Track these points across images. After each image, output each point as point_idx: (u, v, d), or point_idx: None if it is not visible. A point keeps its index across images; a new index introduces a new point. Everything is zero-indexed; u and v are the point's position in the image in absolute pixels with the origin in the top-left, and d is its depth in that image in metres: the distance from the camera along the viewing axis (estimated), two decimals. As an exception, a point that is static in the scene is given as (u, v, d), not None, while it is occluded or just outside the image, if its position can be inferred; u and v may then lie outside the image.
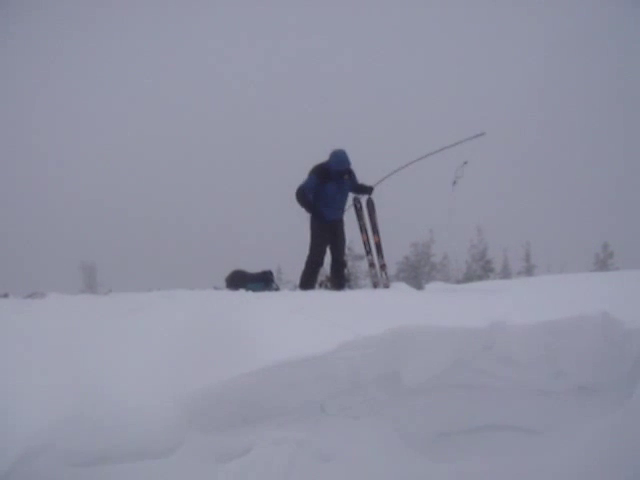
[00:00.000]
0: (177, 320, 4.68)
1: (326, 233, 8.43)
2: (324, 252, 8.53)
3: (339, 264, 8.72)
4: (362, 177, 8.73)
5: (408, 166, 8.72)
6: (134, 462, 3.42)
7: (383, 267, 9.03)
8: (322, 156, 8.36)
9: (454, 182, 8.40)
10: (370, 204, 8.96)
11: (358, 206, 8.98)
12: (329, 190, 8.30)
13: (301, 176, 8.35)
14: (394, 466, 4.18)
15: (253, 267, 9.86)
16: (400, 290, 7.76)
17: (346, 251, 9.39)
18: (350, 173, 8.54)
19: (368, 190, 8.81)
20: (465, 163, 8.24)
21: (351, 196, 8.88)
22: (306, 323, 4.71)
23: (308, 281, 8.56)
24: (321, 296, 6.68)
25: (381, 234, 9.04)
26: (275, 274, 10.08)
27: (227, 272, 9.76)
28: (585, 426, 4.46)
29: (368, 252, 9.09)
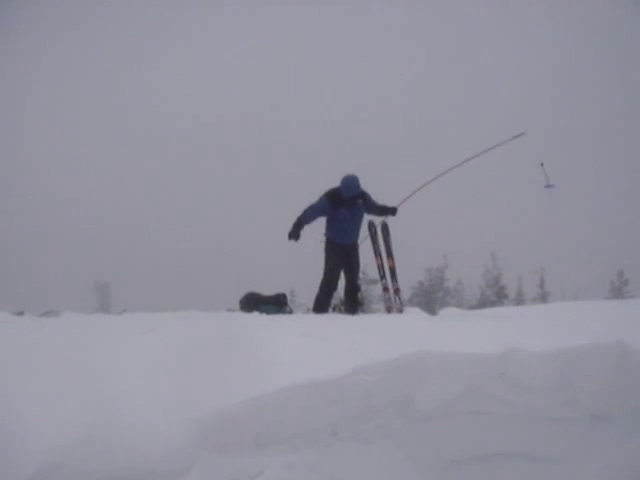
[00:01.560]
0: (191, 341, 4.69)
1: (339, 257, 8.47)
2: (337, 276, 8.55)
3: (353, 288, 8.73)
4: (378, 194, 8.75)
5: (432, 182, 8.79)
6: (146, 483, 3.42)
7: (397, 292, 9.03)
8: (330, 169, 8.41)
9: (549, 186, 8.45)
10: (384, 228, 8.99)
11: (372, 230, 9.01)
12: (341, 216, 8.35)
13: (313, 197, 8.40)
14: (405, 492, 4.17)
15: (267, 289, 9.89)
16: (414, 315, 7.76)
17: (360, 275, 9.39)
18: (364, 197, 8.54)
19: (391, 211, 8.84)
20: (542, 165, 8.32)
21: (366, 220, 8.91)
22: (319, 347, 4.72)
23: (322, 305, 8.56)
24: (334, 320, 6.69)
25: (395, 258, 9.05)
26: (288, 297, 10.10)
27: (241, 294, 9.79)
28: (599, 455, 4.43)
29: (382, 276, 9.11)
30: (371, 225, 8.99)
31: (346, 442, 4.24)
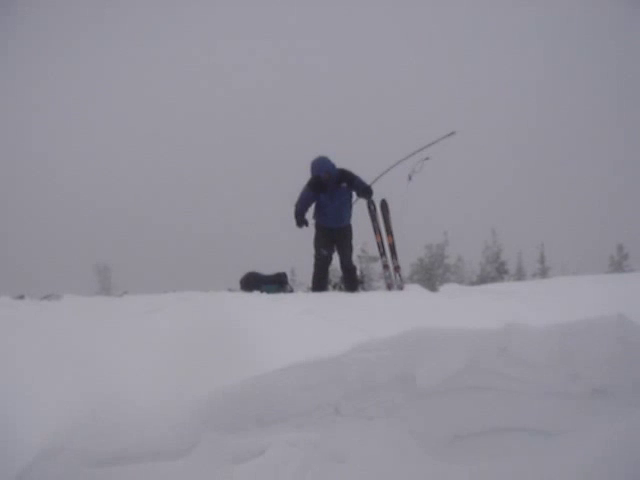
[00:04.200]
0: (191, 322, 4.70)
1: (327, 239, 8.54)
2: (326, 256, 8.60)
3: (347, 270, 8.89)
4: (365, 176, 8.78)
5: (392, 168, 8.83)
6: (149, 462, 3.43)
7: (397, 269, 9.04)
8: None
9: (409, 177, 8.45)
10: (384, 206, 8.98)
11: (372, 208, 8.99)
12: (322, 200, 8.40)
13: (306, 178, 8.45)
14: (408, 468, 4.18)
15: (267, 269, 9.91)
16: (414, 292, 7.74)
17: (354, 256, 9.45)
18: (348, 179, 8.59)
19: (365, 192, 8.80)
20: (426, 159, 8.29)
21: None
22: (320, 325, 4.72)
23: (318, 283, 8.64)
24: (335, 298, 6.69)
25: (395, 235, 9.05)
26: (289, 276, 10.11)
27: (241, 274, 9.80)
28: (600, 429, 4.44)
29: (382, 254, 9.12)
30: (370, 203, 8.97)
31: (348, 419, 4.25)
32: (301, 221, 8.50)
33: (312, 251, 8.64)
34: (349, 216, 8.78)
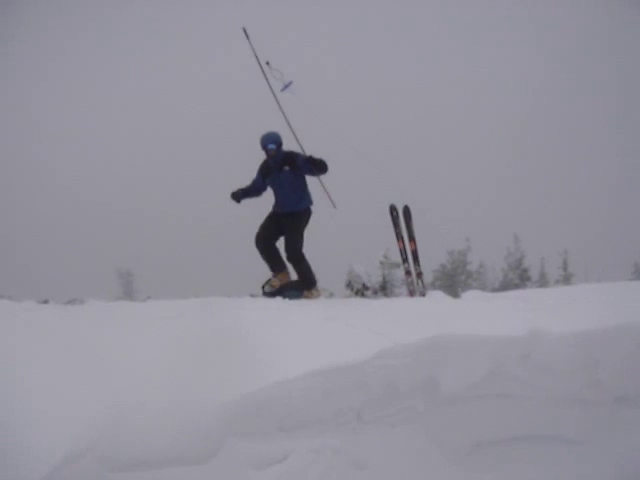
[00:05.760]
0: (214, 328, 4.71)
1: (271, 222, 8.03)
2: (263, 236, 8.04)
3: (289, 259, 8.13)
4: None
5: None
6: (173, 468, 3.45)
7: (419, 275, 9.01)
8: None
9: (284, 87, 7.65)
10: (406, 212, 8.96)
11: (394, 214, 8.97)
12: (269, 184, 8.03)
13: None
14: (429, 475, 4.18)
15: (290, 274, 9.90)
16: (437, 298, 7.72)
17: (382, 259, 9.37)
18: (290, 160, 7.90)
19: (310, 162, 7.82)
20: (267, 63, 7.65)
21: (388, 204, 8.87)
22: (343, 331, 4.72)
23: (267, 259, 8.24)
24: (358, 304, 6.70)
25: (417, 241, 9.03)
26: (311, 282, 10.07)
27: (264, 279, 9.81)
28: (622, 437, 4.42)
29: (404, 260, 9.08)
30: (393, 209, 8.95)
31: (370, 426, 4.26)
32: (235, 194, 8.09)
33: (337, 254, 8.36)
34: (296, 202, 8.04)
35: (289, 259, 7.93)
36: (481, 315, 5.39)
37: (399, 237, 9.05)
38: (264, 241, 7.99)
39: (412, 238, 8.98)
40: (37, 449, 3.17)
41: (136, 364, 4.02)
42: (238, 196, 8.11)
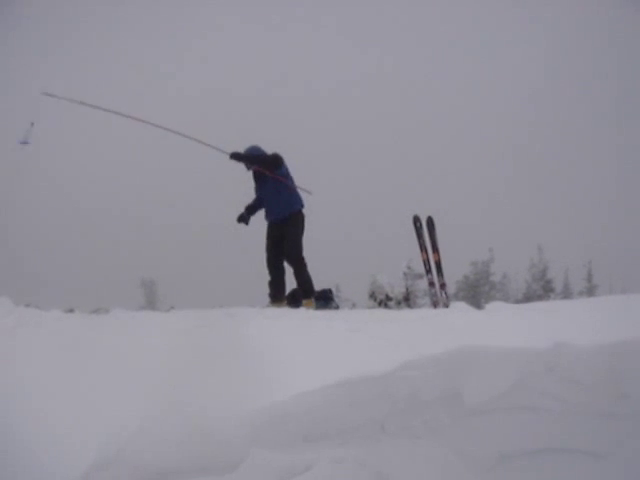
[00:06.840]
0: (237, 338, 4.73)
1: (270, 240, 8.13)
2: (269, 260, 8.20)
3: (291, 262, 8.19)
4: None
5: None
6: (199, 477, 3.48)
7: (443, 286, 9.03)
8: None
9: (22, 142, 7.64)
10: (430, 223, 8.98)
11: (418, 225, 9.00)
12: (257, 194, 8.16)
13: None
14: (453, 488, 4.17)
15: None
16: (460, 309, 7.71)
17: (406, 270, 9.39)
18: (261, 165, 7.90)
19: (258, 161, 7.99)
20: (32, 124, 7.67)
21: (411, 215, 8.89)
22: (367, 342, 4.72)
23: (273, 288, 8.37)
24: (381, 315, 6.70)
25: (441, 252, 9.04)
26: (334, 292, 10.11)
27: (287, 290, 9.85)
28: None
29: (428, 271, 9.11)
30: (416, 219, 8.98)
31: (394, 437, 4.26)
32: (241, 218, 8.17)
33: (362, 265, 8.47)
34: (283, 206, 7.99)
35: (289, 262, 8.08)
36: (505, 327, 5.37)
37: (422, 248, 9.07)
38: (270, 266, 8.11)
39: (435, 249, 9.01)
40: (66, 457, 3.22)
41: (162, 373, 4.06)
42: (244, 219, 8.17)
